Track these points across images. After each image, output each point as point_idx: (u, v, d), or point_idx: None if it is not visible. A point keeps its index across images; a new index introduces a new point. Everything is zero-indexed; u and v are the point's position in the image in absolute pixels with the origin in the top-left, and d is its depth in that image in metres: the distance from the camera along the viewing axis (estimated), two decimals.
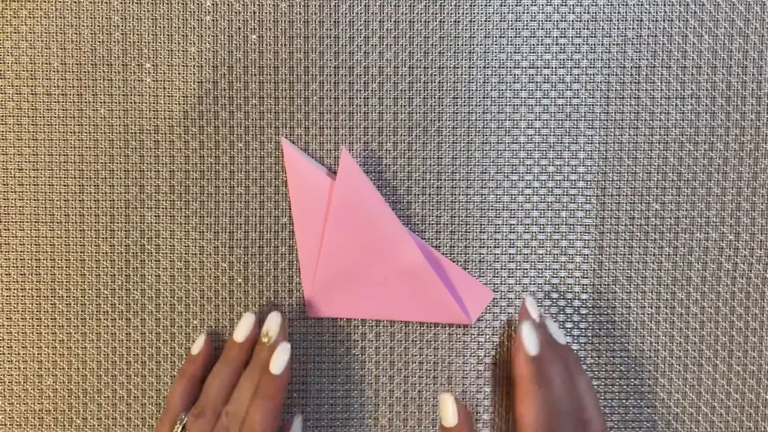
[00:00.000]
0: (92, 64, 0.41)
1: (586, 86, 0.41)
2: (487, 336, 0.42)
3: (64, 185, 0.42)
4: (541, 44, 0.41)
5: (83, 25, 0.41)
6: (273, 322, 0.38)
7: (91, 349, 0.42)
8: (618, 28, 0.41)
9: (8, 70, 0.41)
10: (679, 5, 0.41)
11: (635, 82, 0.41)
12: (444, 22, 0.41)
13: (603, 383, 0.42)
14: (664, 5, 0.41)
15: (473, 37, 0.41)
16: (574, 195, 0.42)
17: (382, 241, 0.40)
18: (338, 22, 0.41)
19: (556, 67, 0.41)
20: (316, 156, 0.42)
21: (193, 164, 0.42)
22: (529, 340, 0.36)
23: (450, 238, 0.42)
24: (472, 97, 0.42)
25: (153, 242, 0.42)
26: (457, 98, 0.42)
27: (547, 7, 0.41)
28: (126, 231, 0.42)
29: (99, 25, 0.41)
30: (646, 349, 0.42)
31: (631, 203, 0.42)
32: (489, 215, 0.42)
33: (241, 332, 0.39)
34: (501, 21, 0.41)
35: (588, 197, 0.42)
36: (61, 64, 0.41)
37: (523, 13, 0.41)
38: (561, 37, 0.41)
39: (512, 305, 0.42)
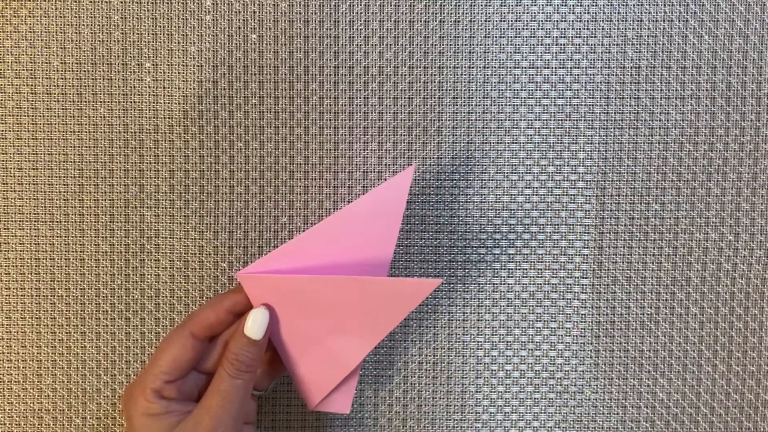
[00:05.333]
0: (92, 63, 0.41)
1: (586, 86, 0.41)
2: (487, 336, 0.42)
3: (64, 184, 0.42)
4: (541, 44, 0.41)
5: (83, 24, 0.41)
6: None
7: (90, 349, 0.42)
8: (618, 28, 0.41)
9: (8, 70, 0.41)
10: (679, 5, 0.41)
11: (635, 82, 0.41)
12: (444, 22, 0.41)
13: (602, 383, 0.42)
14: (664, 5, 0.41)
15: (473, 37, 0.41)
16: (574, 195, 0.42)
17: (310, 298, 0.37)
18: (338, 22, 0.41)
19: (556, 67, 0.41)
20: (315, 155, 0.42)
21: (192, 164, 0.42)
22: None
23: (450, 238, 0.42)
24: (472, 97, 0.42)
25: (153, 242, 0.42)
26: (457, 98, 0.42)
27: (547, 7, 0.41)
28: (126, 230, 0.42)
29: (99, 25, 0.41)
30: (646, 350, 0.42)
31: (630, 203, 0.42)
32: (489, 215, 0.42)
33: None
34: (501, 21, 0.41)
35: (588, 197, 0.42)
36: (61, 63, 0.41)
37: (523, 13, 0.41)
38: (561, 37, 0.41)
39: (512, 305, 0.42)
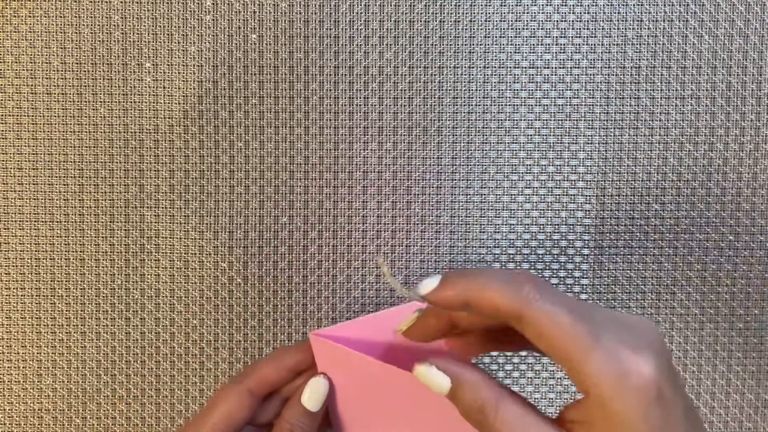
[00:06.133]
0: (92, 63, 0.41)
1: (586, 86, 0.41)
2: None
3: (64, 184, 0.42)
4: (541, 44, 0.41)
5: (83, 24, 0.41)
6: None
7: (90, 349, 0.42)
8: (618, 28, 0.41)
9: (8, 70, 0.41)
10: (679, 5, 0.41)
11: (635, 82, 0.41)
12: (444, 22, 0.41)
13: None
14: (664, 5, 0.41)
15: (473, 37, 0.41)
16: (574, 195, 0.42)
17: (392, 392, 0.34)
18: (338, 21, 0.41)
19: (556, 67, 0.41)
20: (315, 155, 0.42)
21: (193, 164, 0.42)
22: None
23: (450, 238, 0.42)
24: (472, 97, 0.42)
25: (153, 242, 0.42)
26: (457, 98, 0.42)
27: (547, 7, 0.41)
28: (126, 230, 0.42)
29: (99, 25, 0.41)
30: None
31: (630, 203, 0.42)
32: (489, 215, 0.42)
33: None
34: (501, 21, 0.41)
35: (588, 197, 0.42)
36: (61, 63, 0.41)
37: (523, 13, 0.41)
38: (561, 37, 0.41)
39: None
